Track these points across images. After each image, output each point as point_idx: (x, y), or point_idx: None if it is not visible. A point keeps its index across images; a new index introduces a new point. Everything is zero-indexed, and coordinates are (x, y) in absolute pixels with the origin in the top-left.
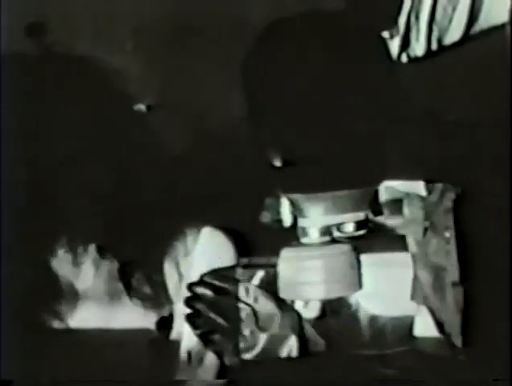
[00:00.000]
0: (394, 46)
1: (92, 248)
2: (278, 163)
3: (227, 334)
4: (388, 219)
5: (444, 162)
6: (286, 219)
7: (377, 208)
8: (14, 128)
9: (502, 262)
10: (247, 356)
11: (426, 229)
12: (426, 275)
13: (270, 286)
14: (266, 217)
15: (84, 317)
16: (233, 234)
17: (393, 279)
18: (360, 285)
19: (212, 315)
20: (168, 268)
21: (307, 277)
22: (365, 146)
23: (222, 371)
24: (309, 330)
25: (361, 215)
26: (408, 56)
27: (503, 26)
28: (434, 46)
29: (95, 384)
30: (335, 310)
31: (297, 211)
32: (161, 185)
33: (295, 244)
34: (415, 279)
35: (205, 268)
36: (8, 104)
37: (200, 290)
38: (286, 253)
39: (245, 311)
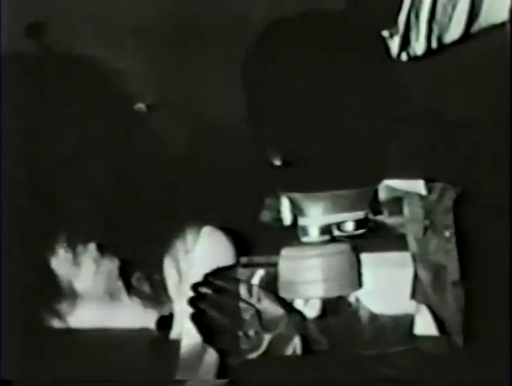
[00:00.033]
0: (394, 45)
1: (92, 247)
2: (277, 163)
3: (231, 334)
4: (388, 219)
5: (444, 162)
6: (287, 218)
7: (376, 208)
8: (14, 128)
9: (502, 262)
10: (252, 356)
11: (426, 228)
12: (426, 274)
13: (270, 285)
14: (266, 216)
15: (84, 316)
16: (233, 234)
17: (393, 278)
18: (360, 284)
19: (216, 315)
20: (168, 268)
21: (307, 276)
22: (365, 146)
23: (223, 370)
24: (312, 330)
25: (360, 215)
26: (408, 55)
27: (503, 24)
28: (434, 44)
29: (95, 384)
30: (335, 309)
31: (297, 211)
32: (161, 185)
33: (295, 243)
34: (415, 278)
35: (205, 268)
36: (8, 104)
37: (204, 290)
38: (286, 252)
39: (248, 312)
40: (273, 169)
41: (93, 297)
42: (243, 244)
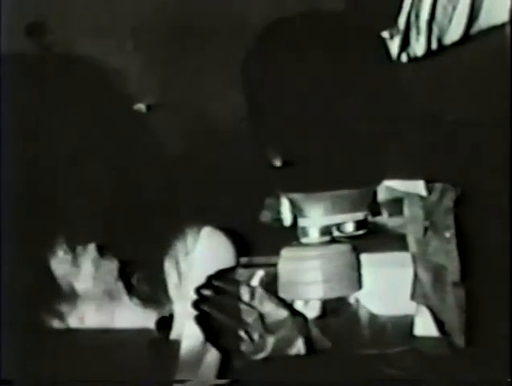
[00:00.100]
0: (394, 46)
1: (92, 247)
2: (278, 163)
3: (235, 337)
4: (388, 219)
5: (444, 163)
6: (287, 219)
7: (376, 209)
8: (14, 128)
9: (502, 262)
10: (256, 358)
11: (426, 229)
12: (426, 275)
13: (270, 286)
14: (266, 216)
15: (84, 317)
16: (233, 234)
17: (393, 279)
18: (360, 285)
19: (220, 317)
20: (168, 268)
21: (306, 277)
22: (365, 146)
23: (223, 370)
24: (315, 331)
25: (360, 215)
26: (408, 56)
27: (503, 25)
28: (434, 45)
29: (95, 384)
30: (335, 309)
31: (297, 211)
32: (161, 185)
33: (295, 244)
34: (415, 279)
35: (205, 268)
36: (8, 104)
37: (207, 293)
38: (286, 253)
39: (252, 315)
40: (273, 169)
41: (93, 298)
42: (243, 245)
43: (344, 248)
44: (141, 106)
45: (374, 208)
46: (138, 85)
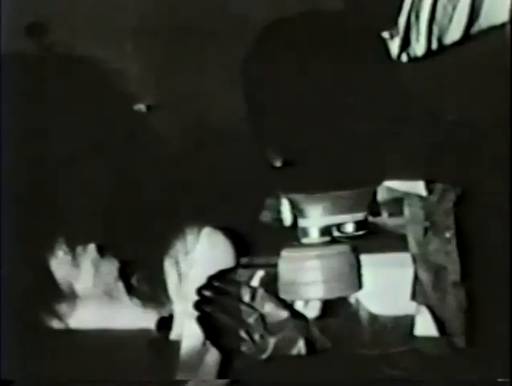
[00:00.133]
0: (394, 46)
1: (92, 247)
2: (278, 163)
3: (237, 337)
4: (388, 219)
5: (444, 162)
6: (287, 219)
7: (376, 209)
8: (14, 128)
9: (503, 262)
10: (258, 359)
11: (426, 229)
12: (426, 275)
13: (270, 286)
14: (266, 216)
15: (84, 317)
16: (233, 234)
17: (393, 279)
18: (360, 286)
19: (221, 317)
20: (168, 268)
21: (307, 277)
22: (365, 146)
23: (224, 370)
24: (315, 331)
25: (360, 216)
26: (408, 56)
27: (503, 25)
28: (434, 45)
29: (95, 384)
30: (335, 309)
31: (297, 212)
32: (161, 185)
33: (296, 245)
34: (416, 279)
35: (205, 269)
36: (8, 104)
37: (209, 294)
38: (286, 253)
39: (253, 316)
40: (273, 169)
41: (93, 298)
42: (243, 245)
43: (344, 248)
44: (141, 106)
45: (374, 209)
46: (139, 85)
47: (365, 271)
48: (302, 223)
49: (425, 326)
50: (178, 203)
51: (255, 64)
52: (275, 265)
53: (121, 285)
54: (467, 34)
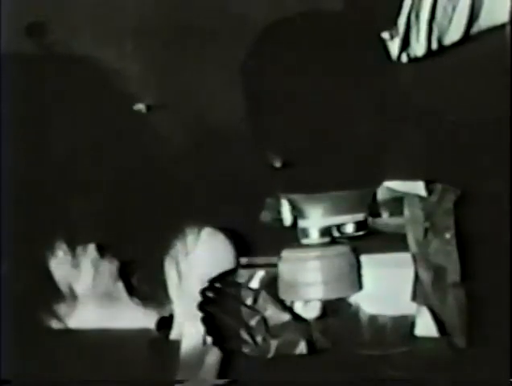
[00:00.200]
0: (394, 46)
1: (91, 248)
2: (277, 164)
3: (239, 339)
4: (388, 220)
5: (444, 162)
6: (287, 219)
7: (376, 210)
8: (14, 128)
9: (502, 262)
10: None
11: (426, 230)
12: (426, 275)
13: (270, 286)
14: (266, 217)
15: (84, 317)
16: (233, 234)
17: (393, 279)
18: (360, 286)
19: (223, 318)
20: (168, 268)
21: (307, 278)
22: (365, 146)
23: (225, 370)
24: (315, 332)
25: (360, 216)
26: (408, 56)
27: (503, 26)
28: (434, 46)
29: (95, 384)
30: (335, 309)
31: (297, 212)
32: (161, 185)
33: (296, 245)
34: (416, 279)
35: (205, 269)
36: (8, 104)
37: (211, 295)
38: (286, 254)
39: (255, 318)
40: (273, 170)
41: (93, 298)
42: (243, 245)
43: (344, 248)
44: (141, 106)
45: (374, 209)
46: (138, 85)
47: (365, 271)
48: (302, 223)
49: (425, 327)
50: (178, 203)
51: (255, 64)
52: (275, 265)
53: (121, 285)
54: (467, 35)
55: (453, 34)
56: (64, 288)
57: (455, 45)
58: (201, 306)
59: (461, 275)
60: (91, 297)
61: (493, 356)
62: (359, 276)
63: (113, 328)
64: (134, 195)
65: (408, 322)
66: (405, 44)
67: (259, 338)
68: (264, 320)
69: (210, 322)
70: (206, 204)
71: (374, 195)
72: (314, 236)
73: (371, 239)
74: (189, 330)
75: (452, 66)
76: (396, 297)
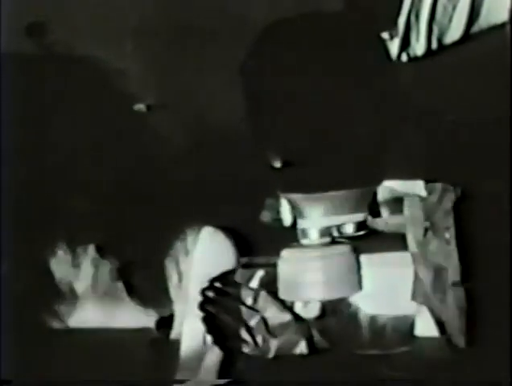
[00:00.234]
0: (394, 46)
1: (91, 248)
2: (277, 164)
3: (239, 339)
4: (388, 219)
5: (444, 162)
6: (287, 219)
7: (376, 209)
8: (14, 128)
9: (502, 262)
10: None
11: (426, 229)
12: (426, 275)
13: (270, 286)
14: (266, 216)
15: (85, 317)
16: (233, 234)
17: (393, 279)
18: (360, 286)
19: (224, 318)
20: (168, 268)
21: (306, 278)
22: (365, 146)
23: (226, 370)
24: (315, 332)
25: (360, 217)
26: (408, 56)
27: (503, 25)
28: (434, 45)
29: (95, 384)
30: (335, 309)
31: (297, 213)
32: (161, 185)
33: (295, 245)
34: (416, 279)
35: (205, 269)
36: (8, 104)
37: (212, 295)
38: (286, 254)
39: (255, 318)
40: (273, 170)
41: (93, 298)
42: (243, 245)
43: (344, 249)
44: (141, 106)
45: (374, 209)
46: (139, 85)
47: (365, 271)
48: (301, 224)
49: (425, 326)
50: (178, 203)
51: (255, 64)
52: (275, 265)
53: (121, 284)
54: (467, 34)
55: (453, 34)
56: (64, 288)
57: (455, 44)
58: (202, 306)
59: (461, 275)
60: (91, 297)
61: (493, 356)
62: (359, 276)
63: (113, 328)
64: (134, 195)
65: (408, 322)
66: (405, 44)
67: (259, 338)
68: (264, 320)
69: (210, 322)
70: (206, 204)
71: (374, 194)
72: (314, 236)
73: (371, 239)
74: (189, 330)
75: (452, 65)
76: (396, 296)
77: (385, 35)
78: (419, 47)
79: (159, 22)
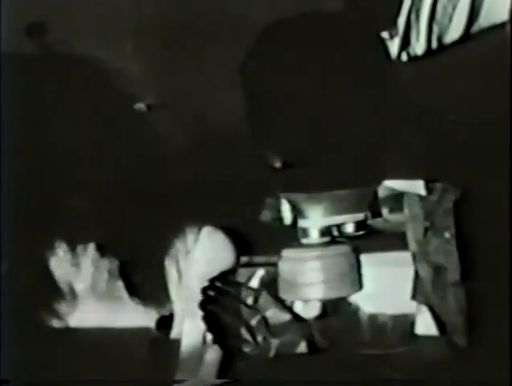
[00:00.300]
0: (394, 46)
1: (91, 247)
2: (277, 164)
3: (240, 339)
4: (389, 216)
5: (444, 162)
6: (287, 218)
7: (376, 209)
8: (14, 127)
9: (502, 262)
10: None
11: (426, 229)
12: (426, 274)
13: (270, 285)
14: (266, 216)
15: (84, 316)
16: (233, 233)
17: (393, 278)
18: (360, 285)
19: (224, 317)
20: (168, 268)
21: (307, 278)
22: (365, 146)
23: (224, 369)
24: (316, 332)
25: (360, 216)
26: (408, 55)
27: (503, 24)
28: (434, 45)
29: (95, 384)
30: (336, 309)
31: (297, 212)
32: (161, 185)
33: (296, 245)
34: (416, 278)
35: (205, 268)
36: (8, 104)
37: (213, 294)
38: (286, 254)
39: (255, 318)
40: (273, 170)
41: (93, 298)
42: (243, 244)
43: (344, 248)
44: (141, 106)
45: (375, 208)
46: (139, 85)
47: (365, 271)
48: (302, 223)
49: (425, 326)
50: (178, 203)
51: (255, 64)
52: (275, 265)
53: (121, 284)
54: (467, 34)
55: (453, 33)
56: (64, 287)
57: (455, 44)
58: (202, 305)
59: (461, 275)
60: (91, 297)
61: (493, 356)
62: (359, 275)
63: (113, 327)
64: (134, 194)
65: (408, 321)
66: (405, 43)
67: (260, 338)
68: (265, 320)
69: (211, 321)
70: (206, 204)
71: (375, 194)
72: (314, 236)
73: (371, 238)
74: (189, 329)
75: (452, 65)
76: (396, 296)
77: (385, 35)
78: (419, 47)
79: (159, 22)
